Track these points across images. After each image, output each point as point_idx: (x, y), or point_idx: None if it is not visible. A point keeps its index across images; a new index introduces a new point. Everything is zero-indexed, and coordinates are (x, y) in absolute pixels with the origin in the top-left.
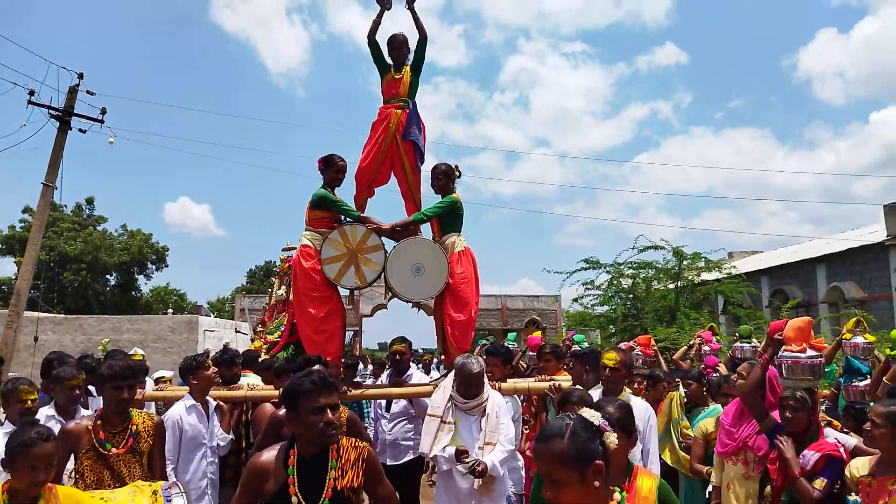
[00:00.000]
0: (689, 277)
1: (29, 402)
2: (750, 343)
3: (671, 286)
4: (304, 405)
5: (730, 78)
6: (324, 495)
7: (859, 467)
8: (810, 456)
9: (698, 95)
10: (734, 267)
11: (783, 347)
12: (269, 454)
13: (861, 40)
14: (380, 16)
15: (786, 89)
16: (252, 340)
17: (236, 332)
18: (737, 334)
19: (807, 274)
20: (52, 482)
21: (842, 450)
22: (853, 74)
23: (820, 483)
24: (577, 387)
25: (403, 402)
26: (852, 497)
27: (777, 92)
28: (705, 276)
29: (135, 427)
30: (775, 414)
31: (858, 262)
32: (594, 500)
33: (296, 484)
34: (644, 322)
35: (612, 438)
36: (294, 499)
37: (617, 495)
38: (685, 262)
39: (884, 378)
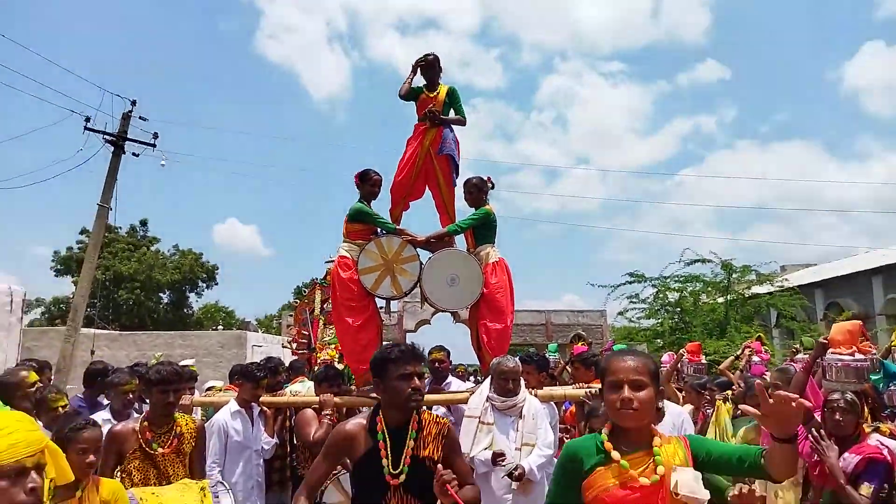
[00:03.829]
0: (740, 290)
1: (59, 408)
2: None
3: (720, 299)
4: (391, 371)
5: (774, 92)
6: (403, 462)
7: None
8: (851, 459)
9: (742, 110)
10: (786, 280)
11: (830, 350)
12: (356, 421)
13: None
14: (412, 74)
15: (832, 102)
16: (314, 351)
17: (283, 346)
18: (798, 345)
19: (862, 286)
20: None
21: (885, 451)
22: None
23: (866, 489)
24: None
25: (442, 410)
26: None
27: (823, 105)
28: (756, 289)
29: (179, 429)
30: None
31: None
32: (651, 413)
33: (388, 447)
34: (693, 335)
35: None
36: (384, 461)
37: (658, 429)
38: (734, 276)
39: None
